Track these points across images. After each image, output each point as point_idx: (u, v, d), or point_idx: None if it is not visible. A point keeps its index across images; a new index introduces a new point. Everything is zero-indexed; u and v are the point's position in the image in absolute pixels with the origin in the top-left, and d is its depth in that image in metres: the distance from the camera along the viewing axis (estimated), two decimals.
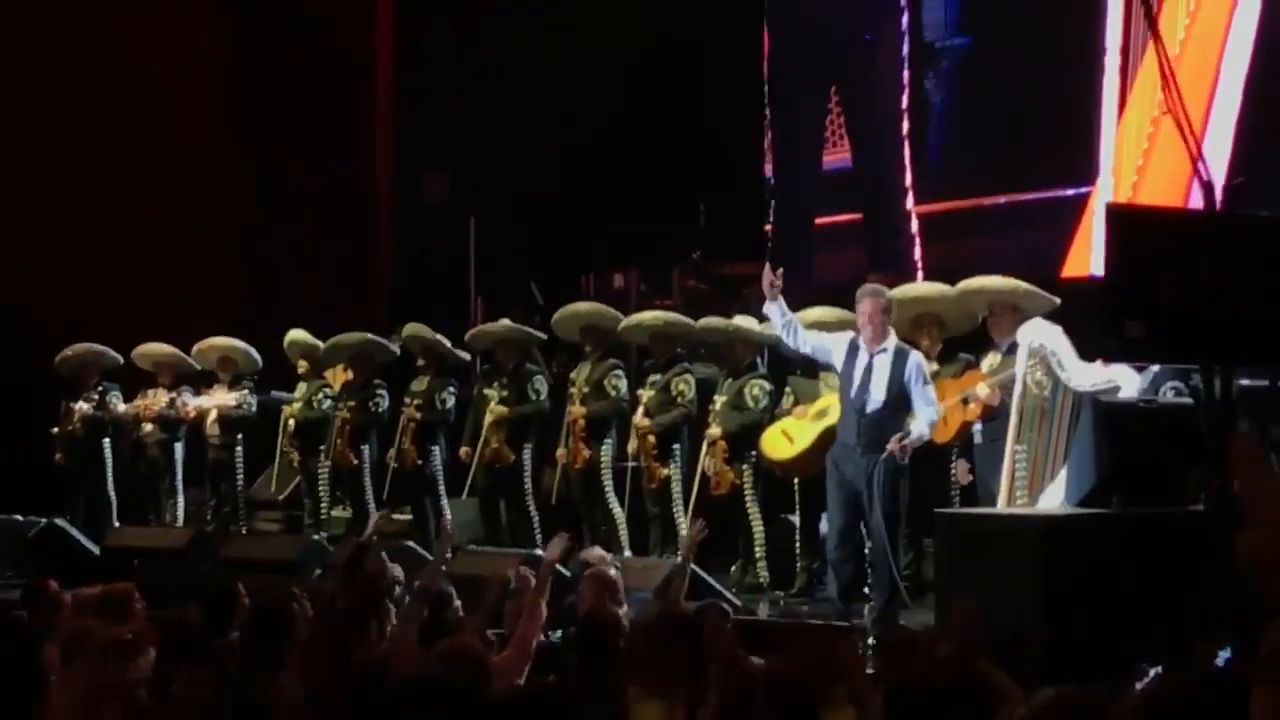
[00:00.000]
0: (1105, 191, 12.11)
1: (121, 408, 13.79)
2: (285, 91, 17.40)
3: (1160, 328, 6.74)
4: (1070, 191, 12.61)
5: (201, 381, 13.80)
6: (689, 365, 11.75)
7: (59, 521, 13.01)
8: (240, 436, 13.56)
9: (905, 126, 14.01)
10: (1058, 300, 9.97)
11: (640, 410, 11.48)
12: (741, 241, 15.46)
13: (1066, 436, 8.52)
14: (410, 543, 11.20)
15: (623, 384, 11.83)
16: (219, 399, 13.40)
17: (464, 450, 12.20)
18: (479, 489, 12.26)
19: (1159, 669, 6.03)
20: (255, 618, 6.42)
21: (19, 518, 13.25)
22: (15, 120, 16.59)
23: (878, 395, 9.19)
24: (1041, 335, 8.71)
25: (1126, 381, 8.56)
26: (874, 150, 14.47)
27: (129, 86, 16.87)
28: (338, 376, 13.86)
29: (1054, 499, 8.40)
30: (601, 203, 15.54)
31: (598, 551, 8.91)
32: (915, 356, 9.33)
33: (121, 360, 13.94)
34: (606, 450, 11.76)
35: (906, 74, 14.06)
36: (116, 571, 9.75)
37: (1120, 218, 7.42)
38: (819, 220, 14.95)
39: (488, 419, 12.09)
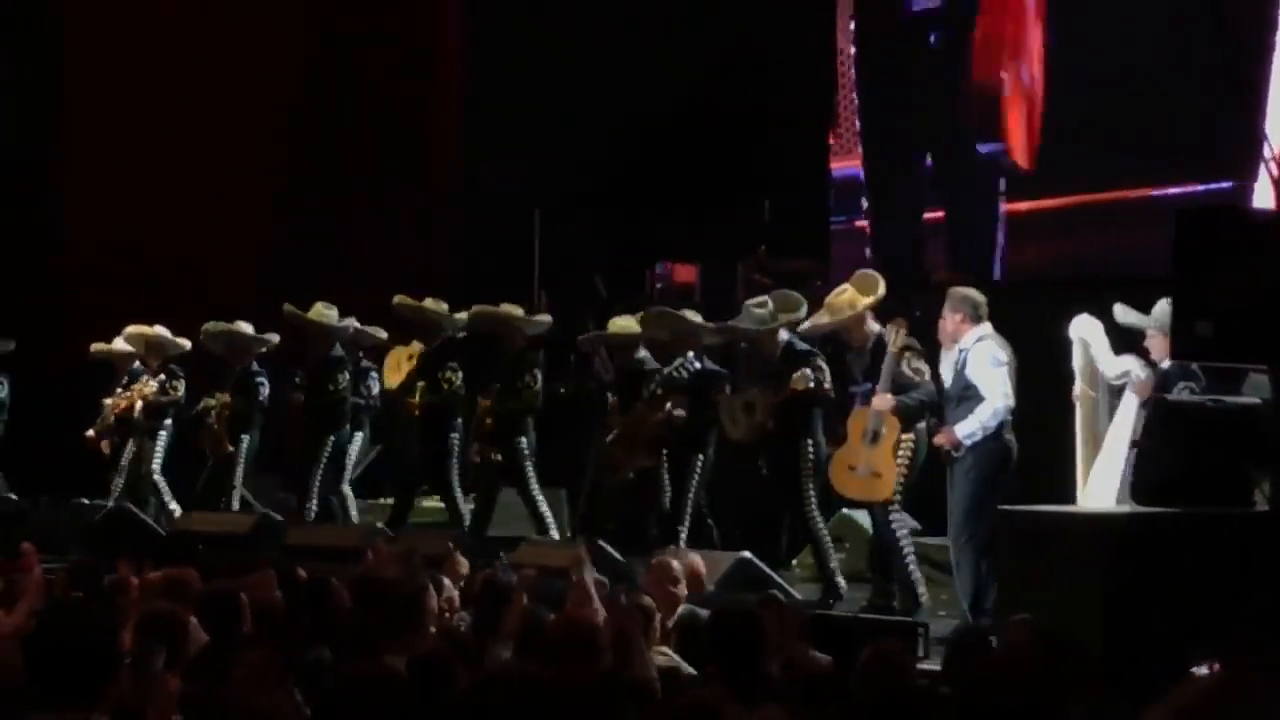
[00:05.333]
0: (1266, 187, 11.33)
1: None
2: (353, 82, 17.48)
3: (1229, 327, 6.74)
4: (1202, 188, 11.84)
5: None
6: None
7: (127, 505, 13.12)
8: (168, 423, 13.59)
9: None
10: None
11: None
12: (806, 237, 15.44)
13: (1106, 425, 8.77)
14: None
15: (537, 382, 11.92)
16: (141, 389, 13.52)
17: None
18: None
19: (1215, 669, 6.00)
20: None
21: (85, 501, 13.38)
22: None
23: (949, 391, 9.39)
24: (1082, 330, 8.92)
25: (1135, 371, 8.77)
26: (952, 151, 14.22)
27: (214, 76, 17.08)
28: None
29: (1102, 489, 8.59)
30: (667, 197, 15.55)
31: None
32: (980, 346, 9.27)
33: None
34: (523, 444, 11.89)
35: None
36: (182, 556, 9.82)
37: (1189, 219, 7.41)
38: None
39: None
